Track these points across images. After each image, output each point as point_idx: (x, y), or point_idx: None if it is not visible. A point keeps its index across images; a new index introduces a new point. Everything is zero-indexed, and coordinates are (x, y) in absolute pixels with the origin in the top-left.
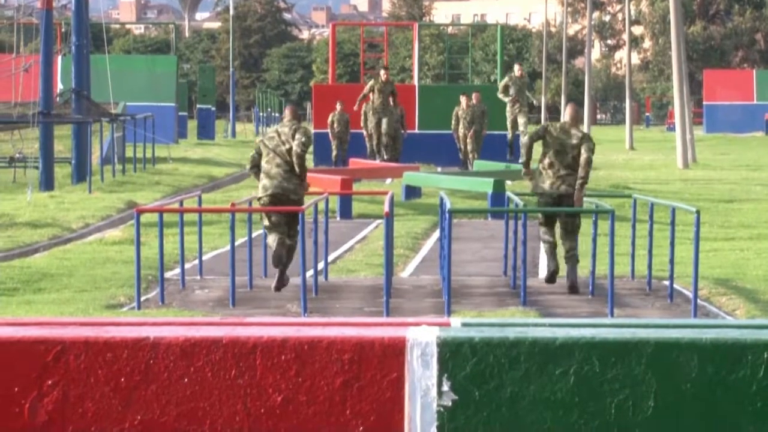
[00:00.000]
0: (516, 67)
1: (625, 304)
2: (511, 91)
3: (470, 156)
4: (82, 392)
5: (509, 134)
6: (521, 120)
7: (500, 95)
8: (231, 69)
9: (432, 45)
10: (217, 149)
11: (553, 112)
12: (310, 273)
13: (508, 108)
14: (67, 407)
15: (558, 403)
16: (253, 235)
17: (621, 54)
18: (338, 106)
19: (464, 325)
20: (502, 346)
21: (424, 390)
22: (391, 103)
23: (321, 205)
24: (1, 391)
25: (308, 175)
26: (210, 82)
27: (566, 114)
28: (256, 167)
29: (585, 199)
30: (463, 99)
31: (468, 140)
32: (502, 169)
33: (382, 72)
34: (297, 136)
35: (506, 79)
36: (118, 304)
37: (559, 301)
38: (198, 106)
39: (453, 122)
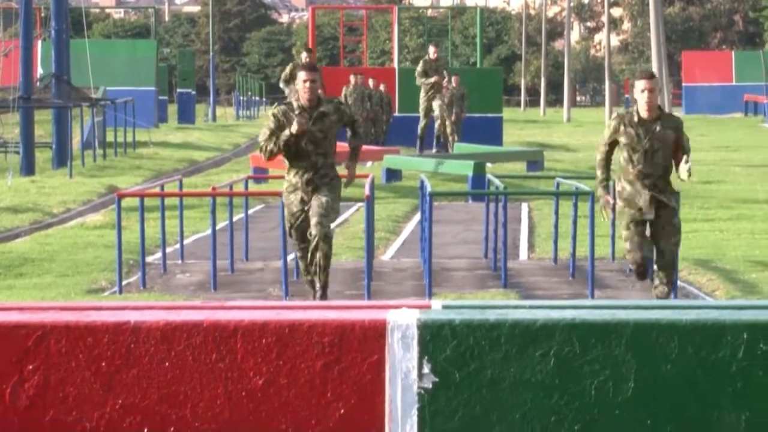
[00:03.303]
0: (431, 50)
1: (606, 285)
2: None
3: (450, 139)
4: (63, 377)
5: (423, 123)
6: (436, 104)
7: (419, 81)
8: (211, 53)
9: (411, 28)
10: (198, 133)
11: (533, 94)
12: (291, 256)
13: (422, 94)
14: (48, 391)
15: (538, 385)
16: (234, 219)
17: (600, 36)
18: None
19: (445, 307)
20: (482, 328)
21: (404, 372)
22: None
23: None
24: None
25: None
26: (190, 66)
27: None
28: None
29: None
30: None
31: (447, 123)
32: (483, 152)
33: (303, 55)
34: None
35: (422, 63)
36: (100, 288)
37: (540, 283)
38: (178, 90)
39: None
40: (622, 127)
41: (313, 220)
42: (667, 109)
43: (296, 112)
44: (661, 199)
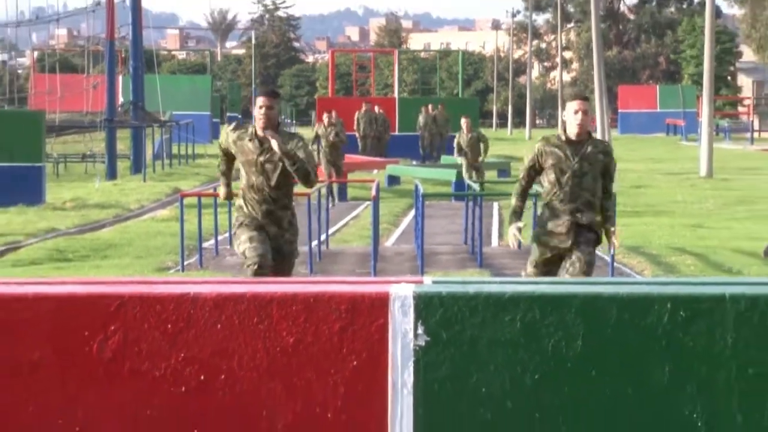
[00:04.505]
0: (462, 121)
1: None
2: (464, 147)
3: (436, 153)
4: (137, 336)
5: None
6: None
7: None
8: (253, 86)
9: (408, 66)
10: None
11: (502, 118)
12: (315, 243)
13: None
14: (126, 347)
15: (507, 343)
16: None
17: (554, 73)
18: (333, 113)
19: (434, 282)
20: (463, 298)
21: (403, 333)
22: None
23: (323, 191)
24: (76, 334)
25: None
26: (237, 96)
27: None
28: None
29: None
30: (423, 110)
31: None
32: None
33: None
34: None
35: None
36: (166, 267)
37: (508, 264)
38: (228, 114)
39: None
40: (548, 148)
41: None
42: (605, 130)
43: (248, 138)
44: (581, 223)
